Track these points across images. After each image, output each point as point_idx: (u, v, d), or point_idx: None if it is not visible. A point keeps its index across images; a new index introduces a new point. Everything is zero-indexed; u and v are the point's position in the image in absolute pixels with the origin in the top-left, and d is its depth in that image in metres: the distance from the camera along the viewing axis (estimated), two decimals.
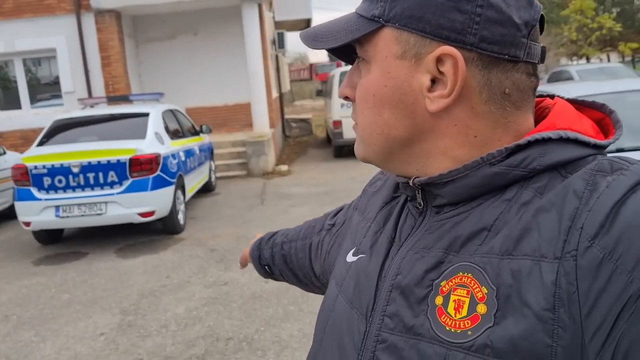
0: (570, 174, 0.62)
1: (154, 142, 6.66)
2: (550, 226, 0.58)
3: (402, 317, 0.66)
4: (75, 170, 6.21)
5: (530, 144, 0.64)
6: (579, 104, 0.73)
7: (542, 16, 0.67)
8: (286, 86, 17.14)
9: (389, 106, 0.67)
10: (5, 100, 11.97)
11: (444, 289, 0.63)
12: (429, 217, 0.72)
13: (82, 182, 6.23)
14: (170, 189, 6.64)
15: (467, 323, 0.60)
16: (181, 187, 7.18)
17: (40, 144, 6.76)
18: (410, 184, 0.72)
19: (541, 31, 0.68)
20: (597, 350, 0.53)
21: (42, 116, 10.83)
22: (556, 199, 0.60)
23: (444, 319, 0.61)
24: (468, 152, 0.67)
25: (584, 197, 0.58)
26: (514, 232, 0.60)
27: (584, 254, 0.55)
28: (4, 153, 8.36)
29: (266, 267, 1.29)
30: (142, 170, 6.30)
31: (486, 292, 0.59)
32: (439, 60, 0.64)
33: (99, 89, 11.33)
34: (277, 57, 15.78)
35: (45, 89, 11.98)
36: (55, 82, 11.75)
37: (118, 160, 6.25)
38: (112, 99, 8.08)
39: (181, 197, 7.15)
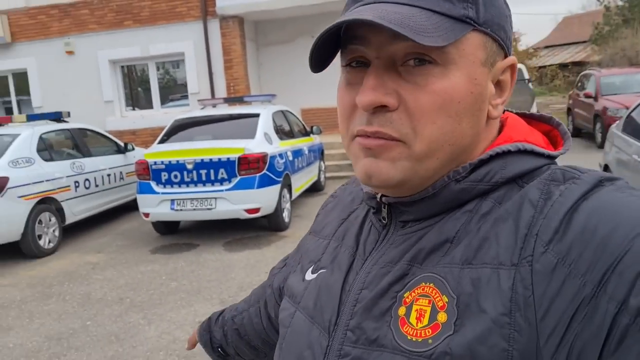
0: (526, 184, 0.64)
1: (262, 142, 6.93)
2: (507, 235, 0.60)
3: (365, 330, 0.66)
4: (190, 167, 6.63)
5: (492, 158, 0.66)
6: (528, 117, 0.77)
7: None
8: None
9: (469, 114, 0.65)
10: (140, 100, 13.06)
11: (406, 299, 0.64)
12: (393, 231, 0.73)
13: (195, 178, 6.64)
14: (276, 188, 6.87)
15: (428, 332, 0.60)
16: (287, 185, 7.39)
17: (161, 141, 7.30)
18: (378, 199, 0.73)
19: None
20: (552, 352, 0.54)
21: (170, 115, 11.61)
22: (512, 208, 0.62)
23: (406, 328, 0.62)
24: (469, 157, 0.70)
25: (538, 205, 0.60)
26: (473, 242, 0.62)
27: (539, 259, 0.57)
28: (133, 149, 9.12)
29: (219, 349, 1.19)
30: (249, 169, 6.58)
31: (447, 300, 0.60)
32: (506, 69, 0.69)
33: (221, 90, 12.00)
34: None
35: (175, 90, 12.92)
36: (183, 84, 12.61)
37: (228, 159, 6.58)
38: (228, 100, 8.51)
39: (287, 195, 7.37)
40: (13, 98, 13.34)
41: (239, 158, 6.57)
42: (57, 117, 8.30)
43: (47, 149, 7.38)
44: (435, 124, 0.63)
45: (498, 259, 0.59)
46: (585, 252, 0.55)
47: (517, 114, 0.76)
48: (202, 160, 6.61)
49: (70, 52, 12.40)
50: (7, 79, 13.20)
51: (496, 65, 0.67)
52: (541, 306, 0.55)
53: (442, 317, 0.60)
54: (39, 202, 6.82)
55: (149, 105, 12.87)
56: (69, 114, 8.57)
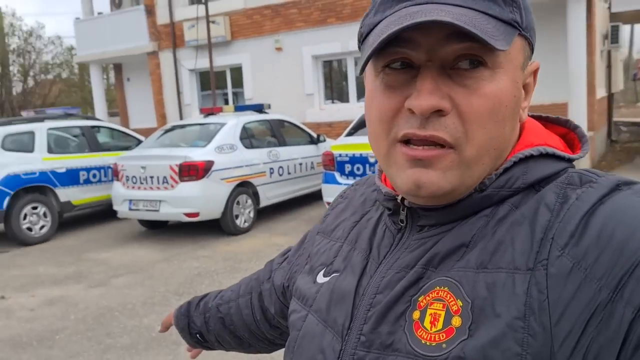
0: (542, 187, 0.64)
1: None
2: (523, 239, 0.60)
3: (379, 334, 0.66)
4: (372, 160, 6.79)
5: (515, 164, 0.66)
6: (544, 120, 0.75)
7: None
8: (618, 85, 15.24)
9: (511, 118, 0.65)
10: (337, 94, 13.67)
11: (421, 303, 0.64)
12: (408, 234, 0.71)
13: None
14: None
15: (442, 336, 0.60)
16: None
17: (349, 134, 7.57)
18: (398, 201, 0.72)
19: None
20: (567, 357, 0.53)
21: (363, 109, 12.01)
22: (528, 212, 0.62)
23: (420, 332, 0.62)
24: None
25: (555, 209, 0.60)
26: (489, 245, 0.62)
27: (554, 262, 0.56)
28: (324, 141, 9.60)
29: (198, 335, 1.18)
30: None
31: (461, 305, 0.60)
32: (532, 73, 0.70)
33: None
34: (609, 52, 14.20)
35: None
36: None
37: None
38: None
39: None
40: (229, 90, 14.88)
41: None
42: (259, 108, 9.09)
43: (249, 138, 8.14)
44: (485, 128, 0.62)
45: (514, 263, 0.59)
46: (601, 257, 0.54)
47: (532, 116, 0.74)
48: None
49: (279, 49, 13.43)
50: (225, 73, 14.75)
51: (527, 69, 0.68)
52: (556, 310, 0.54)
53: (456, 321, 0.60)
54: (238, 185, 7.59)
55: (345, 98, 13.39)
56: (269, 106, 9.33)
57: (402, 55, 0.63)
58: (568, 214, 0.59)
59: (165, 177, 7.26)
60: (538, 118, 0.75)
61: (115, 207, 8.00)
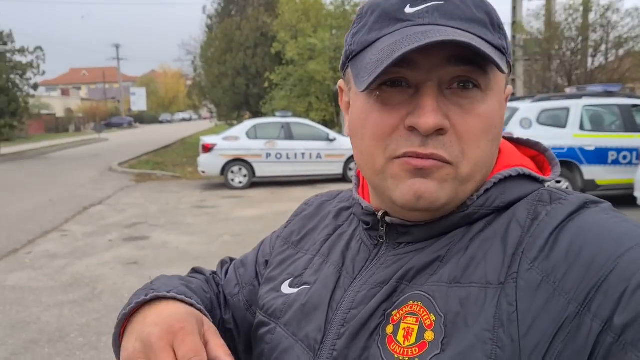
0: (514, 205, 0.66)
1: None
2: (495, 255, 0.61)
3: (352, 350, 0.66)
4: None
5: (494, 185, 0.68)
6: (515, 142, 0.77)
7: None
8: None
9: (498, 138, 0.68)
10: None
11: (394, 317, 0.64)
12: (385, 250, 0.71)
13: None
14: None
15: (415, 350, 0.60)
16: None
17: None
18: (378, 217, 0.70)
19: None
20: None
21: None
22: (500, 228, 0.64)
23: (393, 347, 0.62)
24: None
25: (525, 225, 0.62)
26: (462, 261, 0.63)
27: (524, 275, 0.58)
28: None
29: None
30: None
31: (434, 319, 0.61)
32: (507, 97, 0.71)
33: None
34: None
35: None
36: None
37: None
38: None
39: None
40: None
41: None
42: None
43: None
44: (479, 147, 0.64)
45: (486, 278, 0.60)
46: (570, 272, 0.56)
47: (504, 138, 0.75)
48: None
49: None
50: None
51: (503, 93, 0.69)
52: (524, 322, 0.55)
53: (429, 335, 0.60)
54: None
55: None
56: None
57: (402, 75, 0.64)
58: (538, 229, 0.60)
59: None
60: (509, 140, 0.76)
61: (635, 194, 7.44)
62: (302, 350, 0.71)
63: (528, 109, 8.71)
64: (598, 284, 0.54)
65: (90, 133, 45.79)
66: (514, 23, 23.75)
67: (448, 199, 0.65)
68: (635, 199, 7.49)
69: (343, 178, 13.39)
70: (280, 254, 0.87)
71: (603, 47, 21.64)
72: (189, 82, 40.78)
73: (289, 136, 13.19)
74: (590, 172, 8.44)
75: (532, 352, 0.54)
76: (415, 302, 0.63)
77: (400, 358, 0.61)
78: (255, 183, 13.40)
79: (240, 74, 21.34)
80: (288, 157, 13.02)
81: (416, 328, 0.61)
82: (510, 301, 0.57)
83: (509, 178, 0.68)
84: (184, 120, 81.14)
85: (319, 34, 17.40)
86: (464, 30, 0.62)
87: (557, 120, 8.60)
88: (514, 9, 23.92)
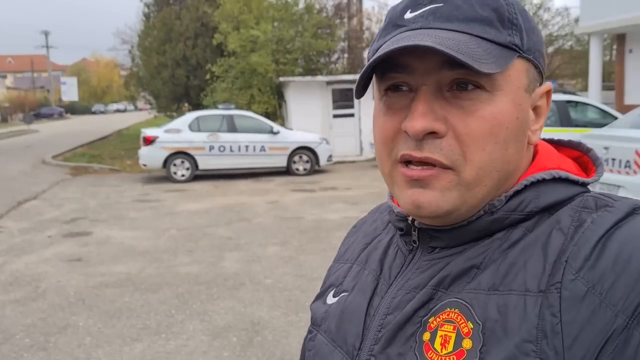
0: (557, 211, 0.63)
1: None
2: (535, 262, 0.59)
3: (389, 356, 0.66)
4: None
5: (526, 187, 0.65)
6: (556, 144, 0.75)
7: None
8: None
9: (514, 140, 0.64)
10: None
11: (431, 325, 0.64)
12: (419, 255, 0.71)
13: None
14: None
15: (453, 358, 0.60)
16: None
17: None
18: (409, 222, 0.71)
19: None
20: None
21: None
22: (542, 235, 0.61)
23: (430, 354, 0.62)
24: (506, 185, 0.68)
25: (569, 233, 0.59)
26: (501, 268, 0.62)
27: (568, 286, 0.56)
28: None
29: None
30: None
31: (472, 327, 0.60)
32: (543, 95, 0.68)
33: None
34: None
35: None
36: None
37: None
38: None
39: None
40: None
41: None
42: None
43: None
44: (484, 150, 0.62)
45: (525, 285, 0.58)
46: (618, 282, 0.54)
47: (544, 140, 0.74)
48: None
49: None
50: None
51: (535, 92, 0.67)
52: (569, 334, 0.54)
53: (467, 343, 0.59)
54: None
55: None
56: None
57: (401, 80, 0.65)
58: (583, 237, 0.58)
59: (628, 161, 6.63)
60: (549, 142, 0.74)
61: None
62: (340, 356, 0.73)
63: None
64: None
65: (18, 124, 43.72)
66: None
67: (453, 206, 0.64)
68: None
69: (287, 171, 13.41)
70: (329, 271, 0.90)
71: None
72: (124, 72, 39.64)
73: (232, 129, 13.14)
74: None
75: None
76: (453, 310, 0.62)
77: None
78: (198, 176, 13.21)
79: (180, 65, 20.87)
80: (231, 150, 12.98)
81: (453, 336, 0.61)
82: (553, 312, 0.55)
83: (544, 181, 0.65)
84: (118, 111, 78.56)
85: (261, 26, 17.25)
86: (458, 32, 0.61)
87: None
88: None
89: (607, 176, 7.02)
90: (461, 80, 0.62)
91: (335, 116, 16.82)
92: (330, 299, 0.81)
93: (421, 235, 0.71)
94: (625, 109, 10.15)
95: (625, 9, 14.46)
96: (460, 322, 0.61)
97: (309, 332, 0.83)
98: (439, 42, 0.59)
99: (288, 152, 13.30)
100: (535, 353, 0.55)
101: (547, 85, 0.68)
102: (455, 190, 0.63)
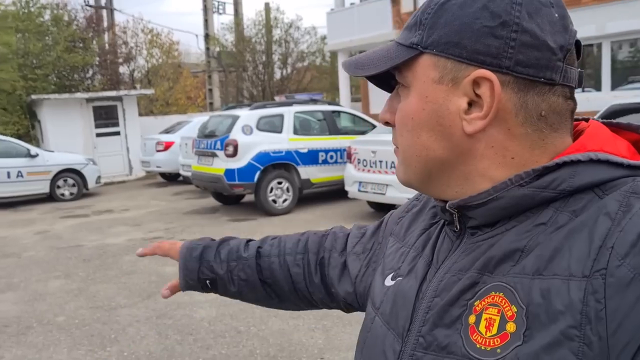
0: (606, 195, 0.62)
1: None
2: (580, 246, 0.59)
3: (436, 337, 0.68)
4: None
5: (559, 166, 0.65)
6: (615, 127, 0.73)
7: (578, 41, 0.68)
8: None
9: (426, 129, 0.70)
10: (588, 82, 12.45)
11: (477, 308, 0.65)
12: (465, 239, 0.73)
13: None
14: None
15: (497, 341, 0.61)
16: None
17: None
18: (447, 207, 0.74)
19: (578, 56, 0.69)
20: None
21: (619, 99, 10.79)
22: (588, 220, 0.61)
23: (475, 337, 0.64)
24: (506, 173, 0.68)
25: (616, 218, 0.59)
26: (545, 252, 0.62)
27: (613, 272, 0.55)
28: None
29: (207, 281, 1.16)
30: None
31: (516, 310, 0.61)
32: (476, 83, 0.66)
33: None
34: None
35: (628, 73, 11.80)
36: (638, 66, 11.39)
37: None
38: None
39: None
40: None
41: None
42: None
43: None
44: (402, 136, 0.73)
45: (569, 270, 0.59)
46: None
47: (603, 122, 0.73)
48: None
49: None
50: None
51: (462, 81, 0.67)
52: (613, 320, 0.54)
53: (511, 327, 0.61)
54: None
55: (597, 87, 12.15)
56: None
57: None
58: (630, 223, 0.57)
59: (393, 162, 7.52)
60: (609, 124, 0.73)
61: (346, 188, 8.56)
62: (393, 338, 0.76)
63: (248, 116, 9.22)
64: None
65: None
66: (207, 36, 24.70)
67: (404, 179, 0.76)
68: (346, 192, 8.61)
69: (51, 197, 12.12)
70: (390, 248, 0.92)
71: (290, 60, 24.15)
72: None
73: None
74: (306, 172, 9.38)
75: (621, 351, 0.54)
76: (497, 293, 0.64)
77: (482, 348, 0.62)
78: None
79: None
80: None
81: (498, 319, 0.62)
82: (598, 298, 0.55)
83: (582, 162, 0.64)
84: None
85: (2, 38, 15.32)
86: (395, 40, 0.73)
87: (274, 126, 9.31)
88: (206, 22, 24.84)
89: (378, 176, 7.85)
90: (398, 81, 0.73)
91: (99, 135, 15.76)
92: (389, 282, 0.84)
93: (461, 219, 0.74)
94: (373, 117, 11.45)
95: (365, 30, 16.34)
96: (504, 306, 0.62)
97: (368, 313, 0.87)
98: (357, 62, 0.76)
99: (50, 176, 12.03)
100: (579, 338, 0.55)
101: (476, 72, 0.65)
102: (402, 165, 0.75)
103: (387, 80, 0.77)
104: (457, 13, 0.66)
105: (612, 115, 6.91)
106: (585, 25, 11.62)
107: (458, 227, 0.74)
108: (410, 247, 0.86)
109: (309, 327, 4.51)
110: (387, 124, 0.77)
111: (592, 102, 11.70)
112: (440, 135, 0.69)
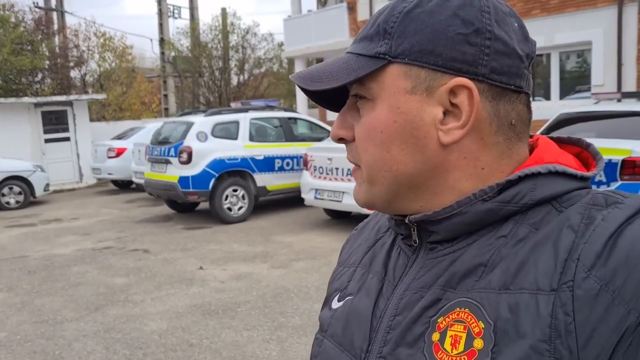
0: (565, 208, 0.63)
1: None
2: (546, 260, 0.59)
3: (398, 357, 0.65)
4: None
5: (520, 179, 0.64)
6: (557, 141, 0.74)
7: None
8: None
9: (398, 142, 0.66)
10: (538, 91, 12.80)
11: (440, 325, 0.63)
12: (423, 254, 0.71)
13: None
14: None
15: (464, 359, 0.59)
16: None
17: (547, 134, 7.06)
18: (406, 221, 0.71)
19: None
20: None
21: (567, 108, 11.12)
22: (552, 233, 0.61)
23: (440, 355, 0.61)
24: (474, 185, 0.67)
25: (579, 230, 0.59)
26: (511, 266, 0.61)
27: (580, 284, 0.55)
28: None
29: None
30: (634, 174, 5.82)
31: (483, 327, 0.59)
32: (452, 92, 0.64)
33: (630, 83, 10.74)
34: None
35: (579, 83, 12.18)
36: (585, 76, 11.78)
37: (610, 160, 5.95)
38: (627, 95, 7.61)
39: None
40: None
41: (623, 161, 5.87)
42: None
43: None
44: (367, 151, 0.68)
45: (536, 284, 0.58)
46: (630, 279, 0.54)
47: (546, 136, 0.74)
48: None
49: None
50: None
51: (438, 90, 0.64)
52: (583, 333, 0.54)
53: (478, 343, 0.59)
54: None
55: (546, 96, 12.49)
56: None
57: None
58: (594, 234, 0.57)
59: (349, 170, 7.51)
60: (551, 138, 0.74)
61: (303, 195, 8.51)
62: None
63: (202, 122, 9.07)
64: None
65: None
66: (162, 40, 24.32)
67: (365, 199, 0.71)
68: (303, 200, 8.56)
69: None
70: (333, 276, 0.88)
71: (247, 66, 23.97)
72: None
73: None
74: (262, 179, 9.28)
75: None
76: (463, 309, 0.62)
77: None
78: None
79: None
80: None
81: (464, 336, 0.60)
82: (567, 311, 0.55)
83: (540, 175, 0.64)
84: None
85: None
86: (350, 52, 0.70)
87: (229, 133, 9.19)
88: (161, 26, 24.47)
89: (333, 184, 7.83)
90: (357, 94, 0.69)
91: (47, 140, 15.24)
92: (336, 304, 0.80)
93: (420, 233, 0.71)
94: (329, 124, 11.47)
95: (322, 37, 16.37)
96: (471, 322, 0.60)
97: (316, 338, 0.82)
98: (307, 73, 0.70)
99: None
100: (550, 352, 0.55)
101: (453, 80, 0.64)
102: (364, 185, 0.71)
103: (330, 96, 0.74)
104: (428, 21, 0.64)
105: (560, 124, 7.10)
106: (535, 35, 11.49)
107: (417, 241, 0.71)
108: (356, 266, 0.82)
109: (264, 338, 4.42)
110: (340, 140, 0.72)
111: (542, 110, 12.02)
112: (413, 147, 0.66)
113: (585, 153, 0.73)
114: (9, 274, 6.74)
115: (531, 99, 0.69)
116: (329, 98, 0.75)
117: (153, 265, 6.75)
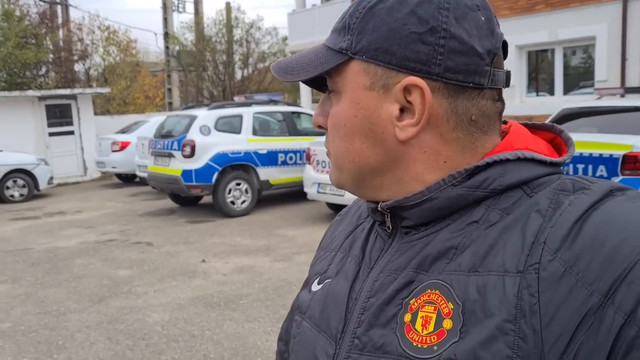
0: (535, 194, 0.64)
1: None
2: (514, 242, 0.61)
3: (371, 337, 0.67)
4: None
5: (489, 165, 0.66)
6: (531, 127, 0.76)
7: (504, 42, 0.69)
8: None
9: (359, 135, 0.69)
10: (542, 86, 12.77)
11: (412, 306, 0.65)
12: (398, 238, 0.73)
13: (570, 172, 6.25)
14: None
15: (434, 338, 0.61)
16: None
17: None
18: (379, 208, 0.73)
19: (505, 56, 0.70)
20: None
21: (570, 104, 11.10)
22: (521, 217, 0.62)
23: (411, 335, 0.63)
24: (438, 177, 0.68)
25: (547, 214, 0.61)
26: (480, 249, 0.63)
27: (546, 266, 0.57)
28: None
29: None
30: (635, 169, 5.83)
31: (452, 307, 0.61)
32: (406, 90, 0.66)
33: (633, 79, 10.71)
34: None
35: (583, 78, 12.15)
36: (590, 71, 11.75)
37: (611, 155, 5.96)
38: (630, 90, 7.60)
39: None
40: None
41: (624, 156, 5.88)
42: None
43: None
44: (334, 142, 0.72)
45: (504, 266, 0.60)
46: (593, 262, 0.55)
47: (521, 123, 0.75)
48: (580, 154, 6.17)
49: None
50: None
51: (393, 88, 0.66)
52: (546, 314, 0.56)
53: (447, 324, 0.61)
54: None
55: (551, 91, 12.47)
56: None
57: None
58: (560, 219, 0.59)
59: None
60: (526, 125, 0.76)
61: (305, 189, 8.54)
62: (325, 341, 0.74)
63: (206, 116, 9.10)
64: (622, 276, 0.53)
65: None
66: (166, 34, 24.32)
67: (337, 181, 0.75)
68: (306, 194, 8.58)
69: None
70: (315, 259, 0.91)
71: (251, 60, 23.97)
72: None
73: None
74: (265, 173, 9.32)
75: (554, 344, 0.55)
76: (433, 291, 0.64)
77: (419, 346, 0.62)
78: None
79: None
80: None
81: (434, 316, 0.62)
82: (532, 292, 0.57)
83: (510, 161, 0.66)
84: None
85: None
86: (324, 43, 0.71)
87: (233, 127, 9.22)
88: (165, 20, 24.46)
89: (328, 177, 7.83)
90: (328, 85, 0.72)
91: (51, 134, 15.31)
92: (315, 287, 0.82)
93: (393, 219, 0.73)
94: None
95: (326, 31, 16.32)
96: (440, 303, 0.62)
97: (294, 320, 0.84)
98: (283, 64, 0.73)
99: None
100: (514, 332, 0.56)
101: (406, 79, 0.65)
102: (334, 170, 0.74)
103: (323, 81, 0.75)
104: (386, 18, 0.65)
105: (562, 119, 7.10)
106: (539, 31, 11.92)
107: (390, 227, 0.74)
108: (337, 250, 0.84)
109: (265, 330, 4.46)
110: (320, 127, 0.75)
111: (546, 105, 12.03)
112: (372, 141, 0.69)
113: (558, 139, 0.74)
114: (13, 265, 6.80)
115: (504, 89, 0.70)
116: (320, 83, 0.75)
117: (156, 258, 6.80)
